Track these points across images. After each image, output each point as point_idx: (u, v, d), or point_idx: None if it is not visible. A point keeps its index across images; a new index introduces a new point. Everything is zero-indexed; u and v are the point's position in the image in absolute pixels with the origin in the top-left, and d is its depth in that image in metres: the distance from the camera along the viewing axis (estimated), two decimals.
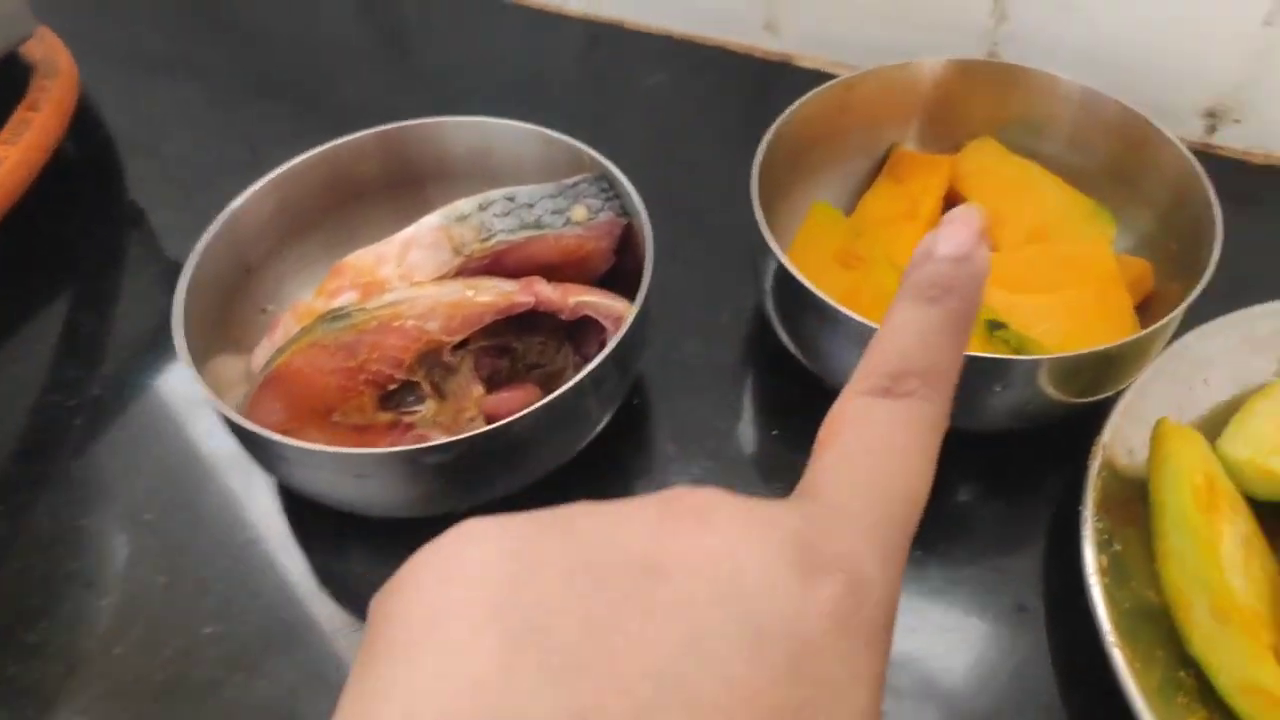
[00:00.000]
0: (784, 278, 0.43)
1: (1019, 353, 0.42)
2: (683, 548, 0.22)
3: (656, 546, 0.23)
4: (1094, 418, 0.43)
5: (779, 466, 0.47)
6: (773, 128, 0.48)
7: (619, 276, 0.48)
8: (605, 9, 0.73)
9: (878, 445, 0.25)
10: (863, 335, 0.40)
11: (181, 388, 0.52)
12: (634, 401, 0.50)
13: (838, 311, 0.40)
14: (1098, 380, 0.42)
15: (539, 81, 0.69)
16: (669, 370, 0.51)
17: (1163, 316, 0.42)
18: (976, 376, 0.40)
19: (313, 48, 0.73)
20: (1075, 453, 0.44)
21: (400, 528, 0.44)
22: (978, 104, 0.53)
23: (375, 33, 0.74)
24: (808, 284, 0.41)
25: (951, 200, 0.53)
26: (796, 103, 0.49)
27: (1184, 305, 0.41)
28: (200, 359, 0.44)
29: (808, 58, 0.67)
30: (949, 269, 0.27)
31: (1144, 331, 0.40)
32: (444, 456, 0.39)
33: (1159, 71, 0.58)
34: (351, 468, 0.39)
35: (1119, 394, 0.43)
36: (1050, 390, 0.41)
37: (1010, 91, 0.52)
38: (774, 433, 0.49)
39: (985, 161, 0.53)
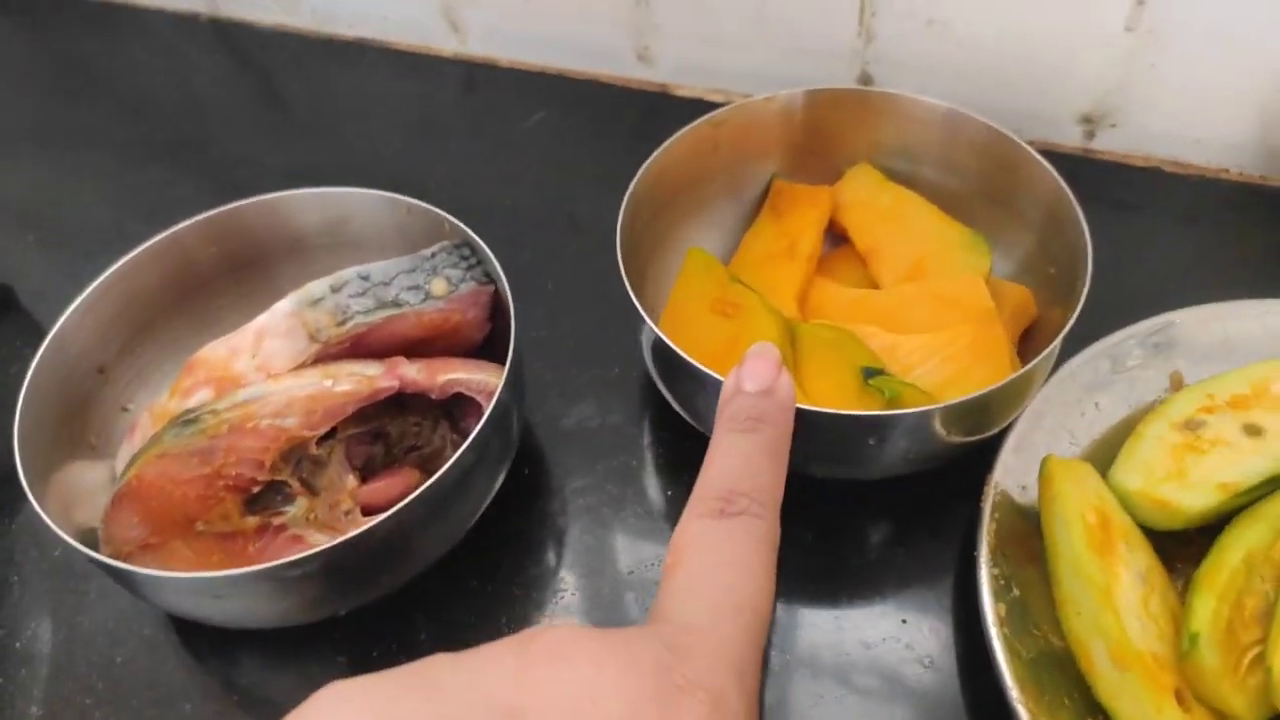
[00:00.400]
0: (657, 341, 0.41)
1: (894, 400, 0.41)
2: (544, 691, 0.23)
3: (518, 692, 0.23)
4: (991, 450, 0.42)
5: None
6: (637, 177, 0.46)
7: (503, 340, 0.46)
8: (477, 48, 0.70)
9: (718, 563, 0.27)
10: None
11: None
12: (524, 471, 0.48)
13: (709, 376, 0.39)
14: (981, 422, 0.41)
15: (420, 128, 0.67)
16: (560, 435, 0.49)
17: (1047, 341, 0.42)
18: (856, 431, 0.39)
19: (189, 109, 0.70)
20: (976, 489, 0.43)
21: (290, 632, 0.41)
22: (849, 131, 0.52)
23: (250, 90, 0.71)
24: (679, 350, 0.40)
25: (835, 233, 0.52)
26: (660, 148, 0.47)
27: (1058, 339, 0.40)
28: (52, 469, 0.42)
29: (684, 87, 0.66)
30: (757, 402, 0.31)
31: (1017, 374, 0.39)
32: (309, 568, 0.37)
33: (1032, 82, 0.57)
34: (208, 589, 0.37)
35: (1009, 428, 0.42)
36: (933, 436, 0.40)
37: (877, 117, 0.51)
38: (669, 493, 0.47)
39: (863, 192, 0.52)
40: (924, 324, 0.45)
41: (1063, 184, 0.45)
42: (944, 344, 0.44)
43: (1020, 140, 0.47)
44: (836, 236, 0.53)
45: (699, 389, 0.41)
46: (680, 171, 0.49)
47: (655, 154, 0.47)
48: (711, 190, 0.52)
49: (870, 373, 0.42)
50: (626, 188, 0.46)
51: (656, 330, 0.41)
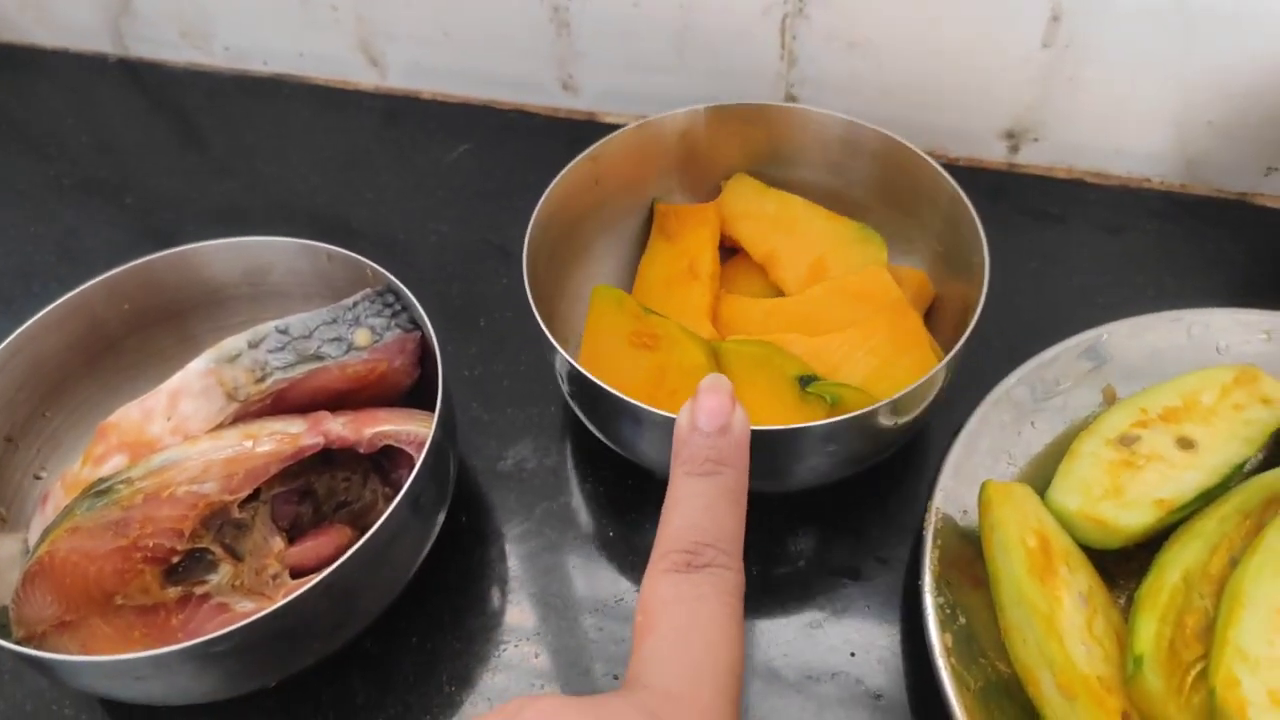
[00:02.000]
0: (578, 377, 0.40)
1: (837, 404, 0.41)
2: None
3: None
4: (931, 475, 0.42)
5: (621, 568, 0.45)
6: (532, 220, 0.45)
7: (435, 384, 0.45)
8: (397, 81, 0.69)
9: (692, 625, 0.27)
10: (666, 426, 0.38)
11: None
12: (461, 518, 0.47)
13: (627, 403, 0.38)
14: (924, 407, 0.41)
15: (341, 164, 0.65)
16: (498, 478, 0.48)
17: (951, 322, 0.45)
18: (810, 442, 0.39)
19: (100, 152, 0.68)
20: (920, 513, 0.42)
21: (221, 704, 0.40)
22: (730, 146, 0.52)
23: (164, 131, 0.69)
24: (594, 379, 0.39)
25: (727, 248, 0.52)
26: (547, 190, 0.47)
27: (975, 315, 0.41)
28: None
29: (611, 114, 0.65)
30: (715, 443, 0.30)
31: (958, 347, 0.40)
32: (235, 641, 0.35)
33: (954, 100, 0.57)
34: (128, 671, 0.35)
35: (946, 453, 0.42)
36: (882, 431, 0.40)
37: (762, 129, 0.51)
38: (610, 534, 0.46)
39: (747, 202, 0.52)
40: (838, 322, 0.46)
41: (952, 181, 0.46)
42: (863, 338, 0.45)
43: (907, 142, 0.48)
44: (727, 249, 0.53)
45: (625, 422, 0.41)
46: (567, 210, 0.49)
47: (543, 195, 0.46)
48: (600, 224, 0.52)
49: (806, 380, 0.42)
50: None
51: (570, 360, 0.40)
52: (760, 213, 0.51)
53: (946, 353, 0.42)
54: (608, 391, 0.39)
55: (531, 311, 0.42)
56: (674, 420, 0.37)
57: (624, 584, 0.44)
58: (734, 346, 0.44)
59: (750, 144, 0.52)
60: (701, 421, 0.30)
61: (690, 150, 0.52)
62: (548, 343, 0.41)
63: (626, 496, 0.47)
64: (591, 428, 0.44)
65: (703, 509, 0.29)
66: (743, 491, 0.30)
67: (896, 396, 0.38)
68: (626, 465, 0.47)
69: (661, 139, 0.51)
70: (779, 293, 0.50)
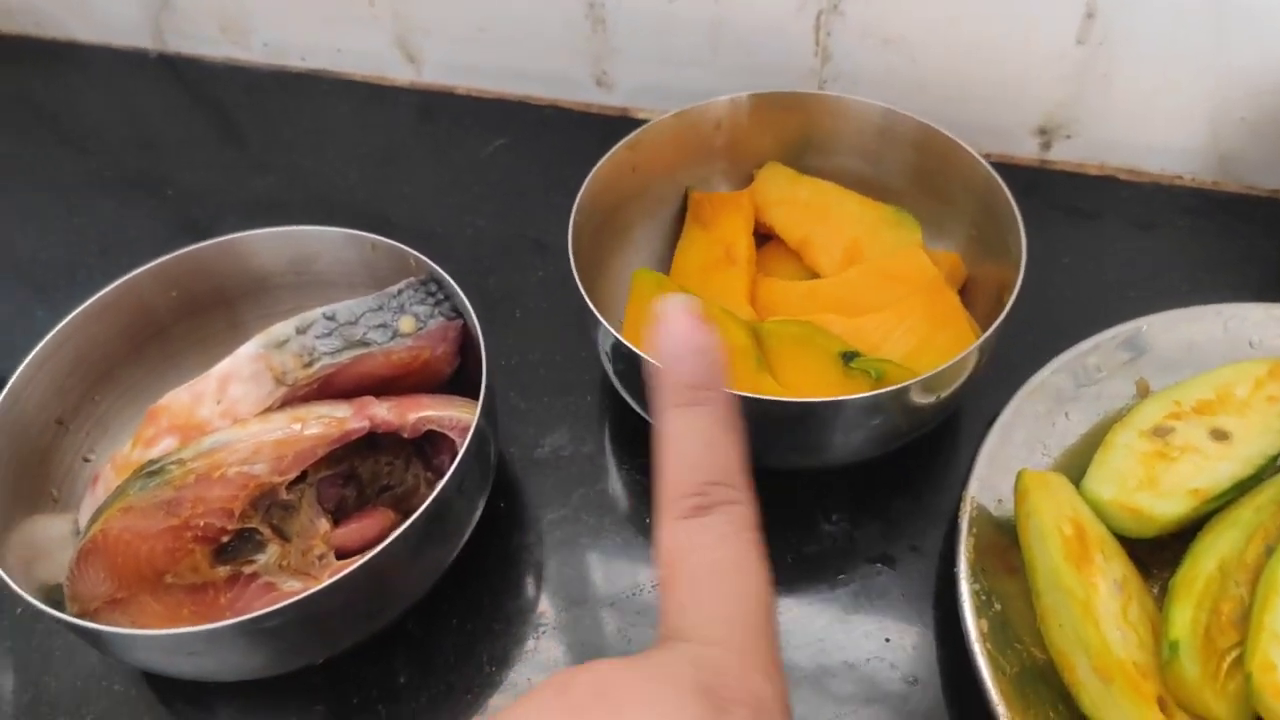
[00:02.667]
0: (624, 352, 0.41)
1: (881, 378, 0.42)
2: None
3: None
4: (966, 465, 0.42)
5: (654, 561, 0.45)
6: (575, 205, 0.46)
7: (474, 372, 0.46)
8: (432, 77, 0.70)
9: (714, 569, 0.27)
10: None
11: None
12: (500, 504, 0.47)
13: None
14: (962, 383, 0.42)
15: (378, 158, 0.66)
16: (535, 465, 0.49)
17: (984, 301, 0.46)
18: (861, 415, 0.40)
19: (140, 146, 0.69)
20: (954, 503, 0.43)
21: (267, 681, 0.41)
22: (766, 134, 0.53)
23: (203, 125, 0.70)
24: (635, 348, 0.40)
25: (762, 234, 0.53)
26: (589, 174, 0.48)
27: (1013, 295, 0.42)
28: (12, 525, 0.40)
29: (644, 109, 0.66)
30: (693, 369, 0.28)
31: (997, 323, 0.41)
32: (284, 618, 0.36)
33: (987, 96, 0.58)
34: (180, 646, 0.36)
35: (981, 442, 0.42)
36: (921, 408, 0.41)
37: (798, 117, 0.53)
38: (646, 520, 0.46)
39: (780, 189, 0.53)
40: (876, 303, 0.46)
41: (990, 168, 0.47)
42: (901, 317, 0.45)
43: (944, 130, 0.49)
44: (761, 236, 0.53)
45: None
46: (607, 197, 0.50)
47: (585, 182, 0.47)
48: (639, 211, 0.53)
49: (849, 356, 0.43)
50: None
51: (614, 332, 0.41)
52: (794, 199, 0.52)
53: (983, 332, 0.43)
54: (640, 356, 0.40)
55: (578, 290, 0.43)
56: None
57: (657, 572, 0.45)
58: (775, 327, 0.45)
59: (787, 132, 0.53)
60: (670, 346, 0.28)
61: (728, 138, 0.53)
62: (592, 318, 0.42)
63: None
64: (634, 404, 0.45)
65: (700, 444, 0.28)
66: (734, 416, 0.28)
67: (941, 368, 0.39)
68: None
69: (700, 127, 0.52)
70: (814, 277, 0.51)
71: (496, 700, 0.41)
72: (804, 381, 0.43)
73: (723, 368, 0.29)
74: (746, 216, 0.52)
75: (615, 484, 0.48)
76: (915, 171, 0.51)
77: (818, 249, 0.51)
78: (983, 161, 0.47)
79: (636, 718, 0.23)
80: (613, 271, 0.51)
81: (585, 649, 0.43)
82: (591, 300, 0.46)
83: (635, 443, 0.49)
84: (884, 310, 0.46)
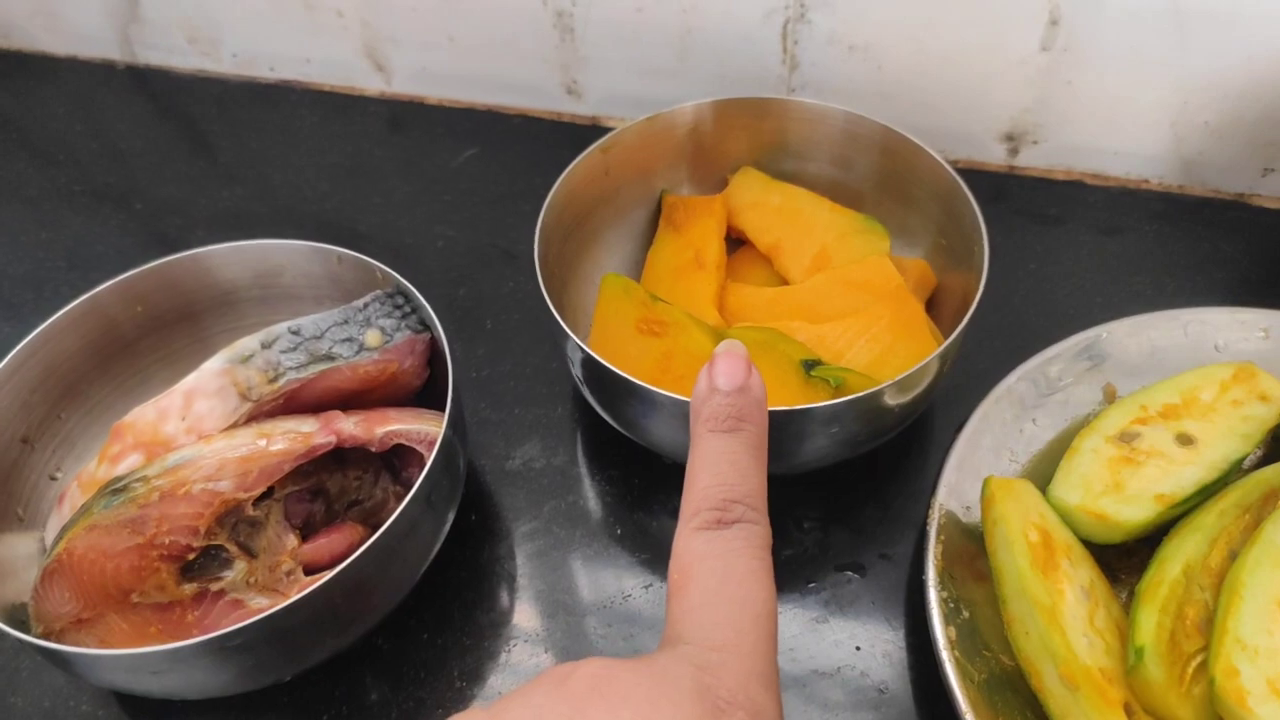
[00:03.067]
0: (591, 364, 0.41)
1: (841, 387, 0.42)
2: None
3: None
4: (934, 472, 0.42)
5: (628, 565, 0.45)
6: (543, 210, 0.46)
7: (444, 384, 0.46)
8: (402, 87, 0.70)
9: (728, 578, 0.28)
10: (680, 409, 0.39)
11: None
12: (471, 517, 0.47)
13: (652, 393, 0.39)
14: (922, 392, 0.42)
15: (348, 169, 0.66)
16: (506, 477, 0.49)
17: (951, 309, 0.47)
18: (814, 425, 0.40)
19: (108, 159, 0.68)
20: (922, 510, 0.43)
21: (235, 699, 0.40)
22: (736, 139, 0.54)
23: (172, 137, 0.70)
24: (606, 364, 0.40)
25: (734, 239, 0.54)
26: (559, 179, 0.48)
27: (974, 305, 0.42)
28: None
29: (615, 119, 0.66)
30: (735, 400, 0.31)
31: (957, 332, 0.41)
32: (251, 635, 0.36)
33: (954, 102, 0.58)
34: (145, 665, 0.36)
35: (948, 450, 0.43)
36: (884, 413, 0.41)
37: (767, 122, 0.53)
38: (618, 531, 0.46)
39: (753, 194, 0.53)
40: (841, 310, 0.47)
41: (954, 173, 0.47)
42: (865, 326, 0.46)
43: (908, 134, 0.49)
44: (733, 241, 0.54)
45: (639, 408, 0.41)
46: (577, 203, 0.50)
47: (554, 187, 0.48)
48: (611, 214, 0.53)
49: (810, 365, 0.43)
50: None
51: (581, 344, 0.41)
52: (765, 204, 0.52)
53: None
54: (618, 375, 0.40)
55: (544, 300, 0.43)
56: (683, 402, 0.38)
57: (630, 581, 0.45)
58: (739, 333, 0.45)
59: (756, 137, 0.53)
60: (721, 381, 0.31)
61: (698, 143, 0.53)
62: (559, 328, 0.42)
63: (633, 495, 0.47)
64: (602, 412, 0.45)
65: (729, 465, 0.30)
66: (764, 448, 0.31)
67: (899, 377, 0.39)
68: (633, 464, 0.48)
69: (671, 132, 0.53)
70: (783, 282, 0.51)
71: (477, 707, 0.41)
72: (768, 389, 0.43)
73: (763, 406, 0.31)
74: (719, 221, 0.52)
75: (587, 495, 0.48)
76: (882, 176, 0.52)
77: (787, 255, 0.51)
78: (947, 166, 0.47)
79: (634, 714, 0.24)
80: (584, 276, 0.51)
81: (559, 662, 0.42)
82: (563, 306, 0.46)
83: (607, 454, 0.49)
84: (848, 318, 0.46)
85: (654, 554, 0.46)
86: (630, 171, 0.53)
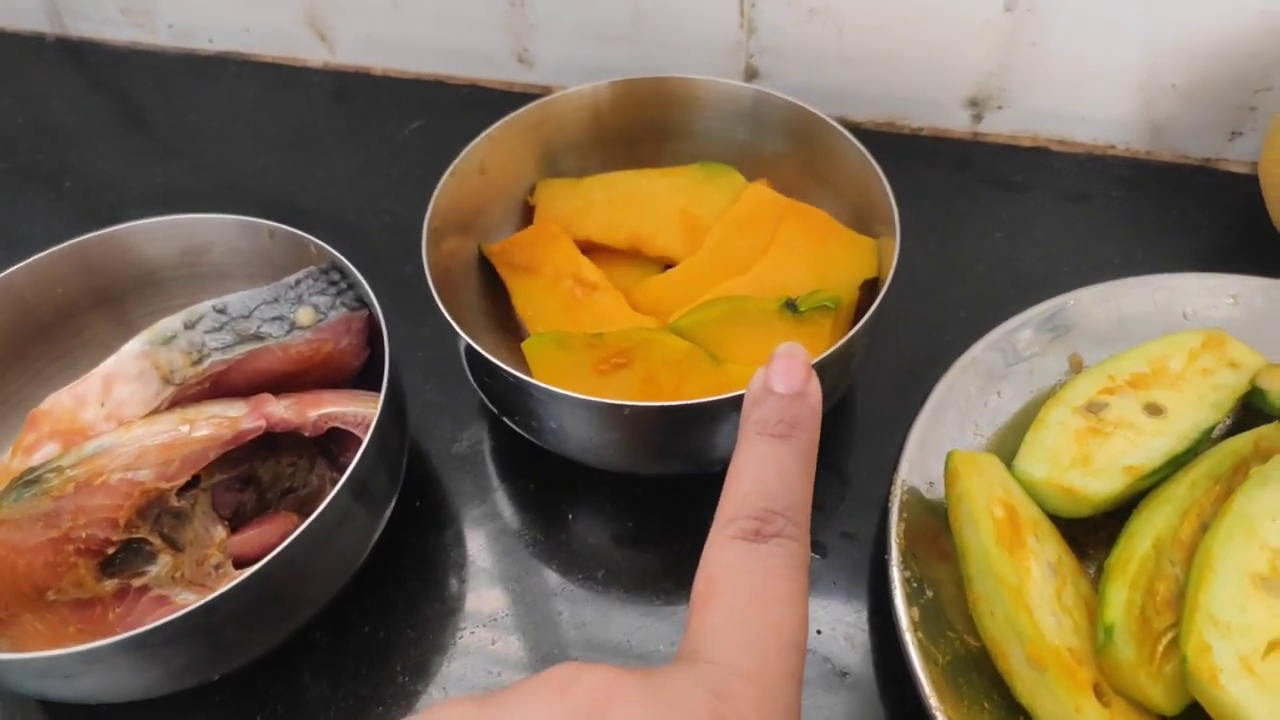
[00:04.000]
0: (484, 364, 0.40)
1: (837, 305, 0.42)
2: None
3: None
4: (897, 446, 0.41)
5: (581, 549, 0.43)
6: (428, 210, 0.44)
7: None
8: (347, 57, 0.67)
9: (758, 598, 0.25)
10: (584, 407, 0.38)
11: None
12: (415, 503, 0.45)
13: (529, 384, 0.38)
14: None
15: (290, 143, 0.63)
16: (453, 461, 0.47)
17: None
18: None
19: (38, 135, 0.65)
20: (883, 487, 0.41)
21: (161, 701, 0.38)
22: (631, 123, 0.51)
23: (106, 112, 0.66)
24: (493, 360, 0.39)
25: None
26: (445, 174, 0.45)
27: (886, 285, 0.40)
28: None
29: (569, 88, 0.63)
30: (790, 405, 0.29)
31: (835, 346, 0.38)
32: (174, 632, 0.33)
33: (915, 67, 0.56)
34: (57, 669, 0.33)
35: (911, 424, 0.41)
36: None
37: (677, 104, 0.50)
38: (569, 516, 0.44)
39: (571, 202, 0.49)
40: (755, 250, 0.45)
41: (865, 151, 0.45)
42: (788, 249, 0.44)
43: (820, 113, 0.47)
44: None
45: (523, 398, 0.40)
46: (463, 198, 0.47)
47: (440, 183, 0.45)
48: (496, 209, 0.50)
49: (792, 304, 0.41)
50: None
51: (467, 338, 0.39)
52: (592, 203, 0.49)
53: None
54: (498, 366, 0.38)
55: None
56: (584, 401, 0.37)
57: (585, 566, 0.43)
58: (697, 316, 0.43)
59: (650, 121, 0.50)
60: (778, 384, 0.29)
61: (591, 129, 0.51)
62: (453, 332, 0.40)
63: (585, 477, 0.45)
64: (496, 412, 0.43)
65: (774, 473, 0.28)
66: (814, 461, 0.29)
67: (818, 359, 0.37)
68: None
69: (561, 119, 0.50)
70: (667, 266, 0.48)
71: (422, 703, 0.39)
72: (762, 350, 0.41)
73: (818, 416, 0.29)
74: (568, 240, 0.48)
75: (535, 479, 0.46)
76: (794, 155, 0.49)
77: (654, 237, 0.48)
78: (852, 139, 0.45)
79: None
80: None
81: (510, 656, 0.40)
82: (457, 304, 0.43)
83: None
84: (769, 252, 0.44)
85: (608, 538, 0.44)
86: (511, 166, 0.49)
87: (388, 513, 0.41)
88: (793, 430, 0.28)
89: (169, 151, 0.63)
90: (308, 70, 0.68)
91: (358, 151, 0.62)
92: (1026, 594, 0.35)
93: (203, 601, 0.33)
